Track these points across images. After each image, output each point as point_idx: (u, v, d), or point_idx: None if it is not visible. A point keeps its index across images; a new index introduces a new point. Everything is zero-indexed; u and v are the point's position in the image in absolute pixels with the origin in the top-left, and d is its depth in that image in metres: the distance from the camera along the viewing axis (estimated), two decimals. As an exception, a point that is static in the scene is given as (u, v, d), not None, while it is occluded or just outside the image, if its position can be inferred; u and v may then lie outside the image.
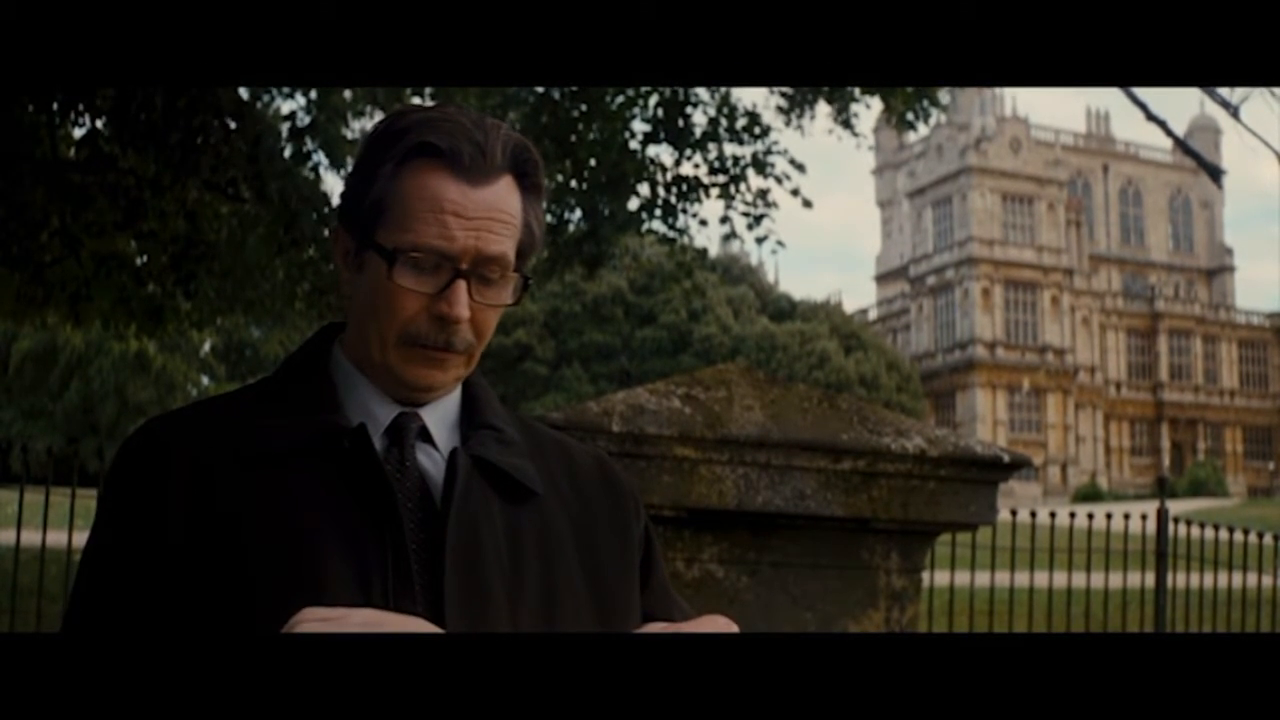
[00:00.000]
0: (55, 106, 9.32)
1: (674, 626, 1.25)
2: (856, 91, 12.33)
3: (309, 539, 1.23)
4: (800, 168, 12.04)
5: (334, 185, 14.19)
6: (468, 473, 1.31)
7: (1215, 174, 15.20)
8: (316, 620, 1.12)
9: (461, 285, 1.28)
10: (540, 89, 10.97)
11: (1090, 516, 7.66)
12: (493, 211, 1.29)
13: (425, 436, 1.34)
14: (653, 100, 11.56)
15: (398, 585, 1.23)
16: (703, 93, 11.83)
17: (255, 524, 1.24)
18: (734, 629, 1.25)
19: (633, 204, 11.90)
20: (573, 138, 11.15)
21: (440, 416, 1.36)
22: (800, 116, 12.73)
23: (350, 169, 1.38)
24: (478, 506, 1.30)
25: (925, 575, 3.24)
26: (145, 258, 11.12)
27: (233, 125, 9.55)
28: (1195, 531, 7.94)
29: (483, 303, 1.31)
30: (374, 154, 1.33)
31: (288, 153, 10.80)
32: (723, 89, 11.86)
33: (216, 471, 1.27)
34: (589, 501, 1.41)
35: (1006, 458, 3.07)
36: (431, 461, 1.32)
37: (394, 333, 1.30)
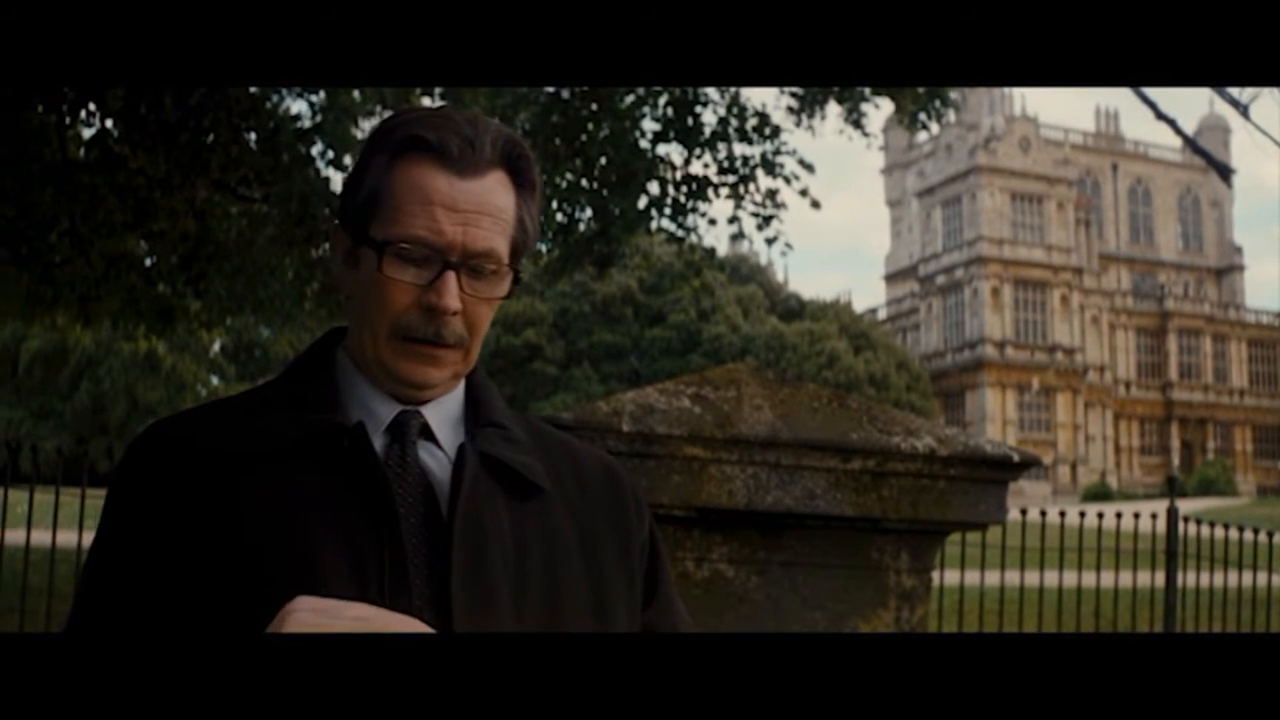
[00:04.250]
0: (65, 107, 9.34)
1: None
2: (867, 91, 12.30)
3: (307, 537, 1.23)
4: (809, 168, 12.03)
5: (339, 184, 14.21)
6: (475, 469, 1.31)
7: (1225, 173, 15.16)
8: (308, 610, 1.12)
9: (451, 277, 1.29)
10: (550, 88, 10.97)
11: (1100, 516, 7.66)
12: (482, 205, 1.30)
13: (428, 434, 1.34)
14: (662, 99, 11.55)
15: (394, 582, 1.23)
16: (712, 92, 11.83)
17: (255, 523, 1.24)
18: None
19: (641, 203, 11.89)
20: (583, 137, 11.14)
21: (443, 414, 1.36)
22: (811, 117, 12.70)
23: (350, 170, 1.39)
24: (483, 503, 1.30)
25: (935, 574, 3.24)
26: (155, 258, 11.15)
27: (243, 124, 9.57)
28: (1205, 531, 7.92)
29: (474, 296, 1.31)
30: (369, 151, 1.35)
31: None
32: (732, 89, 11.85)
33: (219, 471, 1.27)
34: (593, 503, 1.40)
35: (1016, 457, 3.06)
36: (434, 459, 1.32)
37: (385, 326, 1.30)
